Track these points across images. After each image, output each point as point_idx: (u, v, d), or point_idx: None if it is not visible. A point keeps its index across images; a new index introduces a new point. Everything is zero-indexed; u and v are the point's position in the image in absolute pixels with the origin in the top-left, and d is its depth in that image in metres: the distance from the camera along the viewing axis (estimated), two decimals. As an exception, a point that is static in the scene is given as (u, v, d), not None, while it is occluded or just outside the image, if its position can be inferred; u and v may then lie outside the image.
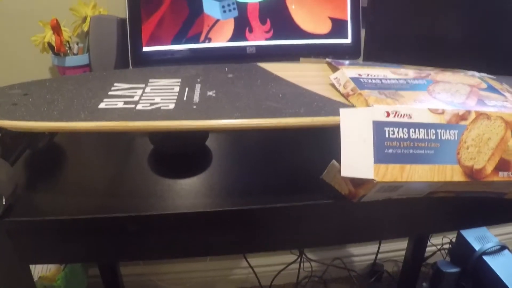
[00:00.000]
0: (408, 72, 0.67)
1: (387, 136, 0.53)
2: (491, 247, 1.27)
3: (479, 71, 0.72)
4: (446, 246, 1.66)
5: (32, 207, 0.59)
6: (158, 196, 0.62)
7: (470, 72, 0.71)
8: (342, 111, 0.55)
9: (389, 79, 0.63)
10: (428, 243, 1.52)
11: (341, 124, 0.54)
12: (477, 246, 1.29)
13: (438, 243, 1.69)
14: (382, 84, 0.62)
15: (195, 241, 0.61)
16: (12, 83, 0.67)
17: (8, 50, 1.12)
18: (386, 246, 1.73)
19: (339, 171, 0.54)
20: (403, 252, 1.51)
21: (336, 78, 0.65)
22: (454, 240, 1.52)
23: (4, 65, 1.13)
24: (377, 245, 1.65)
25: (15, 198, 0.58)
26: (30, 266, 0.63)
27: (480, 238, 1.33)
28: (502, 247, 1.28)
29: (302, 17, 0.97)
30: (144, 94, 0.63)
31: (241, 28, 0.95)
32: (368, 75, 0.64)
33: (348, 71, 0.65)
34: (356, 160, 0.53)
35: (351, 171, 0.53)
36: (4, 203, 0.54)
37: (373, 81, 0.62)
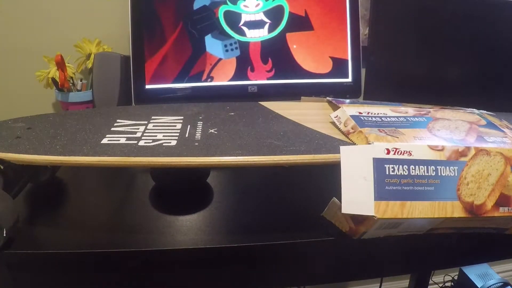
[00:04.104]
0: (408, 110, 0.68)
1: (387, 173, 0.53)
2: (493, 284, 1.26)
3: (478, 108, 0.73)
4: (448, 284, 1.64)
5: (33, 240, 0.59)
6: (159, 232, 0.62)
7: (469, 109, 0.72)
8: (342, 148, 0.55)
9: (389, 117, 0.64)
10: (430, 281, 1.50)
11: (342, 162, 0.54)
12: (479, 283, 1.27)
13: (440, 281, 1.67)
14: (382, 122, 0.62)
15: (194, 277, 0.60)
16: (16, 117, 0.68)
17: (12, 85, 1.13)
18: (388, 285, 1.70)
19: (340, 208, 0.54)
20: (405, 291, 1.50)
21: (337, 116, 0.66)
22: (456, 277, 1.51)
23: (8, 99, 1.14)
24: (378, 284, 1.63)
25: (16, 231, 0.58)
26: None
27: (482, 275, 1.32)
28: (505, 284, 1.27)
29: (303, 56, 0.98)
30: (146, 131, 0.63)
31: (243, 67, 0.97)
32: (368, 113, 0.65)
33: (349, 110, 0.66)
34: (357, 197, 0.53)
35: (351, 208, 0.53)
36: (4, 235, 0.54)
37: (373, 119, 0.63)
